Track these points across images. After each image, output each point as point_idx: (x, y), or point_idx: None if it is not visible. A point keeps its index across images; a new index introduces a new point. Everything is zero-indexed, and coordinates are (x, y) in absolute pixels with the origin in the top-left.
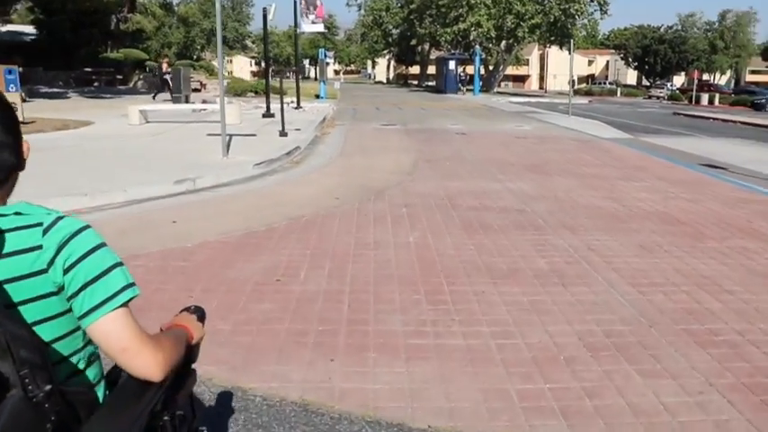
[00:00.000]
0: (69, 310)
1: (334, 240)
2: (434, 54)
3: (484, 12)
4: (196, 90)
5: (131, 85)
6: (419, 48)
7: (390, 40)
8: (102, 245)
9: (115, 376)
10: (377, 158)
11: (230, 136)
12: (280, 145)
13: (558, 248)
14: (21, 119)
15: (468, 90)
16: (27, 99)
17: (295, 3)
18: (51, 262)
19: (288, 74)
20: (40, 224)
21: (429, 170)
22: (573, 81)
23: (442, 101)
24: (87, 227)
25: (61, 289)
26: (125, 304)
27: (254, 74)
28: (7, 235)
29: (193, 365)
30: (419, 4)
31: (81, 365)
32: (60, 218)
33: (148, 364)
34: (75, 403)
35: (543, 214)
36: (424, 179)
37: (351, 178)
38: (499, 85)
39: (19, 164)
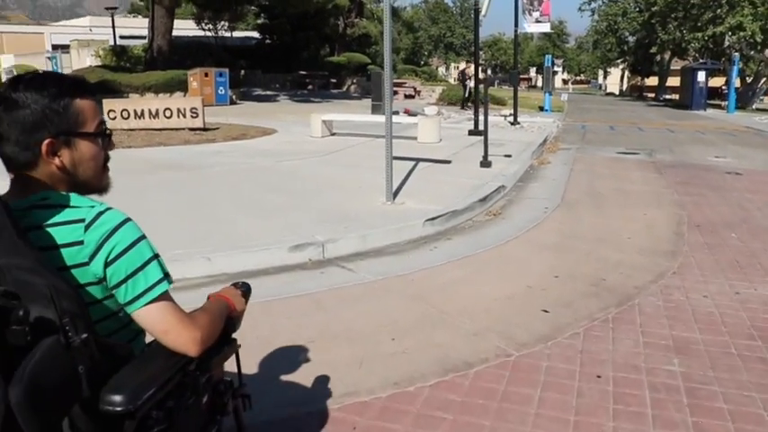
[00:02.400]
0: (111, 297)
1: None
2: (676, 64)
3: (748, 11)
4: (410, 96)
5: (345, 89)
6: (658, 57)
7: (626, 47)
8: (141, 238)
9: None
10: (614, 215)
11: (416, 161)
12: (476, 182)
13: None
14: (201, 125)
15: (715, 106)
16: (237, 101)
17: None
18: (93, 256)
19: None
20: (82, 220)
21: (705, 251)
22: None
23: (690, 119)
24: (127, 221)
25: (102, 280)
26: (164, 293)
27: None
28: (53, 229)
29: (234, 335)
30: (663, 6)
31: (125, 339)
32: (102, 213)
33: (187, 342)
34: (113, 354)
35: None
36: (699, 273)
37: (573, 259)
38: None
39: (35, 159)
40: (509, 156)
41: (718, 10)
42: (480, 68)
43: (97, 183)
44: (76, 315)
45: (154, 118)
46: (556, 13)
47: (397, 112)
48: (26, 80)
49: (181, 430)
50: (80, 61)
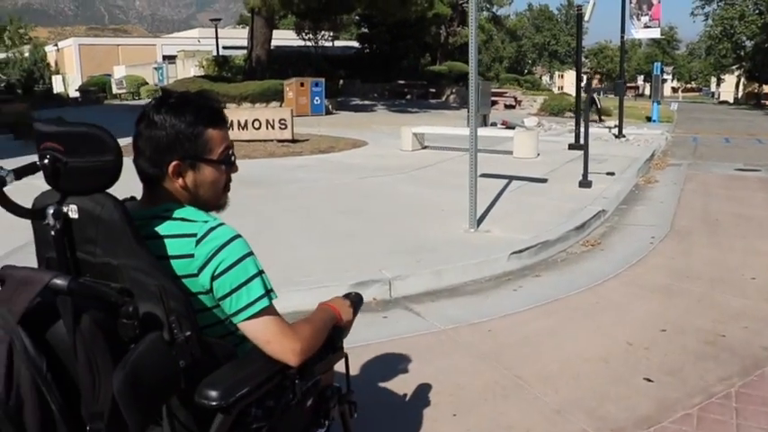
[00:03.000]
0: (218, 306)
1: None
2: None
3: None
4: (510, 107)
5: (444, 98)
6: None
7: (742, 53)
8: (248, 255)
9: None
10: (735, 248)
11: (509, 180)
12: (572, 205)
13: None
14: (290, 137)
15: None
16: (333, 111)
17: (623, 1)
18: (201, 269)
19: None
20: (194, 234)
21: None
22: None
23: None
24: (236, 237)
25: (209, 291)
26: (266, 308)
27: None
28: (167, 240)
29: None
30: None
31: (233, 343)
32: (213, 228)
33: (286, 352)
34: (215, 354)
35: None
36: None
37: (683, 306)
38: None
39: (162, 175)
40: (612, 174)
41: None
42: (587, 77)
43: (215, 202)
44: (182, 315)
45: (243, 129)
46: (666, 19)
47: (494, 124)
48: (169, 103)
49: (280, 429)
50: (185, 71)
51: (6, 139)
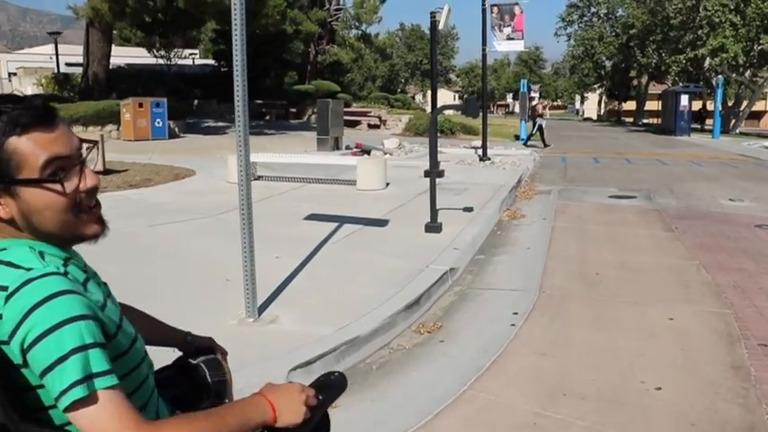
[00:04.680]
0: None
1: None
2: (653, 88)
3: (729, 32)
4: (374, 126)
5: (305, 119)
6: (635, 81)
7: (602, 72)
8: (68, 321)
9: None
10: (624, 324)
11: (338, 224)
12: (411, 264)
13: None
14: (100, 167)
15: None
16: (180, 134)
17: (483, 10)
18: (11, 336)
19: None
20: (5, 288)
21: None
22: None
23: (678, 146)
24: (55, 295)
25: (26, 365)
26: (83, 399)
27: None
28: None
29: None
30: (641, 29)
31: None
32: (29, 281)
33: None
34: None
35: None
36: None
37: None
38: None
39: None
40: (469, 209)
41: (699, 31)
42: (457, 96)
43: (68, 232)
44: None
45: None
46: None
47: (348, 147)
48: None
49: None
50: (21, 89)
51: None
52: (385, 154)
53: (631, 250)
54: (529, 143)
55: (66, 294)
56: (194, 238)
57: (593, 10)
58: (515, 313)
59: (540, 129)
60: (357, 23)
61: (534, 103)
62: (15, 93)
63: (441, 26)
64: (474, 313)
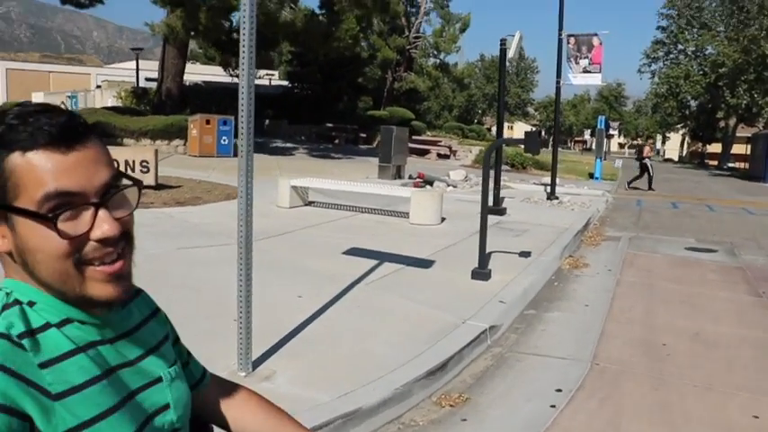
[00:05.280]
0: None
1: None
2: (741, 130)
3: None
4: (444, 156)
5: (374, 144)
6: (722, 122)
7: (687, 112)
8: None
9: None
10: (694, 416)
11: (378, 262)
12: (446, 317)
13: None
14: (153, 182)
15: None
16: None
17: (560, 40)
18: None
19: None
20: None
21: None
22: None
23: (766, 195)
24: None
25: None
26: None
27: None
28: None
29: None
30: (732, 68)
31: None
32: None
33: None
34: None
35: None
36: None
37: None
38: None
39: None
40: (526, 254)
41: None
42: (638, 142)
43: (69, 288)
44: None
45: None
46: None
47: (411, 177)
48: None
49: None
50: (102, 101)
51: None
52: (448, 186)
53: (708, 317)
54: (632, 185)
55: None
56: (219, 265)
57: (680, 47)
58: (559, 390)
59: (647, 170)
60: (436, 52)
61: (640, 143)
62: (61, 105)
63: (511, 54)
64: (510, 386)
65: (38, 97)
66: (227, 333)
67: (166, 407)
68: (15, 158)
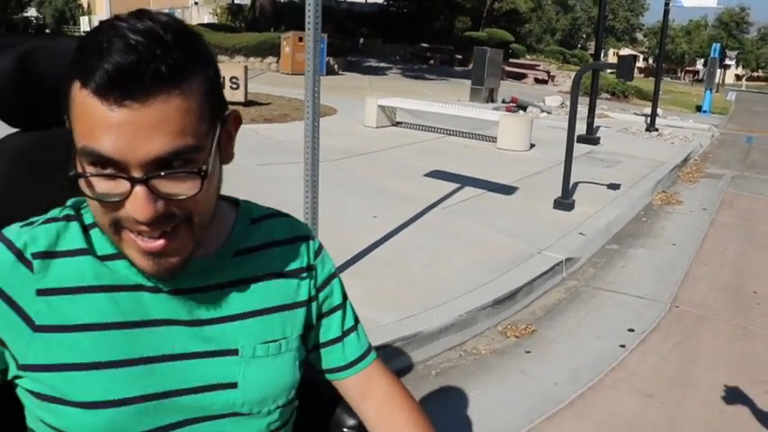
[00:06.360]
0: None
1: None
2: None
3: None
4: (542, 81)
5: (470, 66)
6: None
7: None
8: None
9: None
10: None
11: (459, 186)
12: (522, 246)
13: None
14: (242, 99)
15: None
16: (339, 72)
17: None
18: None
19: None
20: None
21: None
22: None
23: None
24: None
25: None
26: None
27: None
28: None
29: None
30: None
31: None
32: None
33: None
34: None
35: None
36: None
37: None
38: None
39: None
40: (616, 186)
41: None
42: (642, 57)
43: (108, 237)
44: None
45: None
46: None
47: (504, 101)
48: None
49: None
50: (198, 18)
51: None
52: (542, 112)
53: None
54: None
55: None
56: (297, 182)
57: None
58: (631, 330)
59: None
60: None
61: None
62: (167, 12)
63: None
64: (580, 321)
65: None
66: None
67: (231, 385)
68: (75, 88)
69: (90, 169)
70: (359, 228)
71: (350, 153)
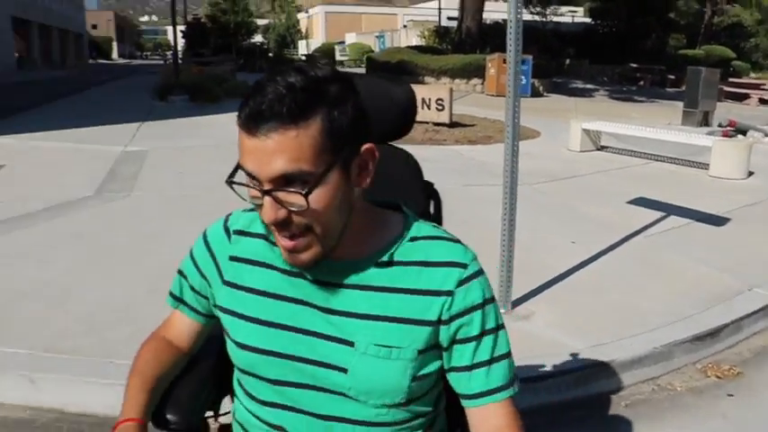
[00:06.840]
0: None
1: None
2: None
3: None
4: (766, 102)
5: (683, 87)
6: None
7: None
8: None
9: None
10: None
11: (667, 214)
12: (730, 281)
13: None
14: (447, 120)
15: None
16: (543, 93)
17: None
18: None
19: None
20: None
21: None
22: None
23: None
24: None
25: None
26: None
27: None
28: None
29: None
30: None
31: None
32: None
33: None
34: None
35: None
36: None
37: None
38: None
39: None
40: None
41: None
42: None
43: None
44: None
45: None
46: None
47: (720, 125)
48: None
49: None
50: (407, 41)
51: (182, 101)
52: (766, 136)
53: None
54: None
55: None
56: (497, 204)
57: None
58: None
59: None
60: None
61: None
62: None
63: None
64: None
65: (350, 38)
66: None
67: (342, 369)
68: (240, 128)
69: (247, 180)
70: (556, 253)
71: (552, 177)
